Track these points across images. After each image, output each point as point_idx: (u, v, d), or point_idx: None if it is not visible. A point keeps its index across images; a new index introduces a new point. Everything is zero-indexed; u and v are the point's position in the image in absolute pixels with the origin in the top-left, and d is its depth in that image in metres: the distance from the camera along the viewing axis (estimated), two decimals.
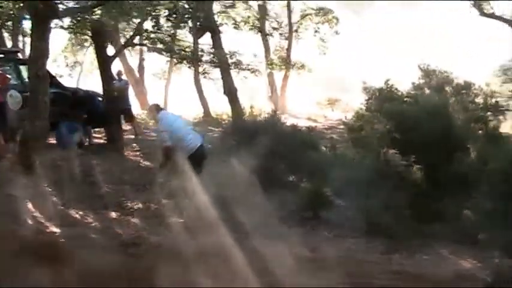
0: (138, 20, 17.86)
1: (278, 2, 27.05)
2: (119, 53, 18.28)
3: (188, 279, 7.06)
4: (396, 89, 11.83)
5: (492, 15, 18.54)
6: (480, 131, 11.38)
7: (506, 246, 8.92)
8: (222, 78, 18.75)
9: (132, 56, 28.59)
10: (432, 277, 7.93)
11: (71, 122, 14.34)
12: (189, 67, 21.89)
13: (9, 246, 7.55)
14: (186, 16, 19.46)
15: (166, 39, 19.82)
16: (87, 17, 14.73)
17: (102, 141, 15.90)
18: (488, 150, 10.45)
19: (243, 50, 21.00)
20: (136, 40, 19.23)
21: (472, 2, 18.62)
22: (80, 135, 14.63)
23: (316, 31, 27.60)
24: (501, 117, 12.63)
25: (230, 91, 18.30)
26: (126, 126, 17.02)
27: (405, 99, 11.60)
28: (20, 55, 17.07)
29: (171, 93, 27.93)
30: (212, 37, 19.22)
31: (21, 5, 15.80)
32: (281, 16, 27.74)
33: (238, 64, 20.20)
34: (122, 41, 22.57)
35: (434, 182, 9.82)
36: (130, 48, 23.75)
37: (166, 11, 18.41)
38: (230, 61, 19.56)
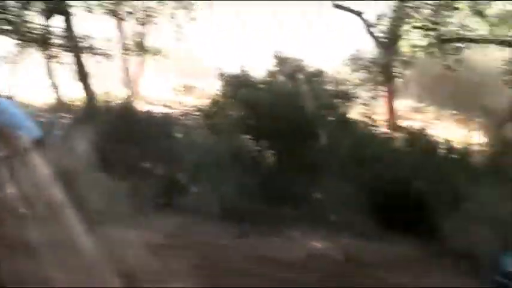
0: None
1: None
2: None
3: (34, 270, 6.66)
4: (251, 75, 11.94)
5: (343, 7, 19.23)
6: (330, 118, 11.77)
7: (356, 226, 9.34)
8: (74, 62, 17.97)
9: None
10: (285, 259, 8.09)
11: None
12: (38, 50, 20.76)
13: None
14: None
15: (13, 20, 18.65)
16: None
17: None
18: (338, 135, 10.86)
19: (97, 34, 20.27)
20: None
21: None
22: None
23: (172, 17, 27.22)
24: (350, 104, 13.17)
25: (82, 76, 17.60)
26: None
27: (259, 86, 11.73)
28: None
29: (21, 78, 26.37)
30: (64, 20, 18.36)
31: None
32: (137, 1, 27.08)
33: (90, 48, 19.46)
34: None
35: (287, 166, 10.03)
36: None
37: None
38: (82, 45, 18.79)
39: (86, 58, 18.65)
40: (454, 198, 10.87)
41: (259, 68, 13.08)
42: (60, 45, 19.60)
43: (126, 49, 24.99)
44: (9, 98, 10.07)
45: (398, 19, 15.78)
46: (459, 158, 13.33)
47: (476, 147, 14.61)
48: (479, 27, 16.06)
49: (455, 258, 9.64)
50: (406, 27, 15.87)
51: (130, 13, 26.45)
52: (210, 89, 16.21)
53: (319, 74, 13.30)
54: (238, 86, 11.42)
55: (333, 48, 16.64)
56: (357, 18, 16.87)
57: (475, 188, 11.62)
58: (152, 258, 7.30)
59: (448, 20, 15.85)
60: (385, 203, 9.73)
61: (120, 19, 25.61)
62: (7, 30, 18.94)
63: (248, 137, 10.32)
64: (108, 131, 10.58)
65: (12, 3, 17.79)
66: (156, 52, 26.06)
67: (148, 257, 7.29)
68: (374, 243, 9.20)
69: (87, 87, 17.55)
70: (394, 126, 14.95)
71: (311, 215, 9.38)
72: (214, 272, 7.18)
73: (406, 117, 16.94)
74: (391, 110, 16.39)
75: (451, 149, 13.74)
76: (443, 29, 15.68)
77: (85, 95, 17.66)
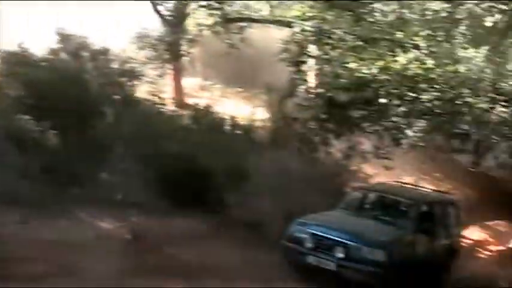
0: None
1: None
2: None
3: None
4: (31, 53, 11.32)
5: None
6: (116, 96, 11.60)
7: (144, 204, 9.38)
8: None
9: None
10: (71, 242, 7.90)
11: None
12: None
13: None
14: None
15: None
16: None
17: None
18: (124, 114, 10.77)
19: None
20: None
21: None
22: None
23: None
24: (136, 82, 13.07)
25: None
26: None
27: (40, 64, 11.18)
28: None
29: None
30: None
31: None
32: None
33: None
34: None
35: (71, 147, 9.73)
36: None
37: None
38: None
39: None
40: (239, 172, 11.38)
41: (40, 46, 12.45)
42: None
43: None
44: None
45: None
46: (244, 134, 13.95)
47: (259, 123, 15.37)
48: (262, 8, 16.80)
49: (243, 229, 10.12)
50: (192, 5, 16.03)
51: None
52: None
53: (104, 52, 12.98)
54: (16, 64, 10.77)
55: (118, 26, 16.27)
56: None
57: (259, 162, 12.29)
58: None
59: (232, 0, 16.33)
60: (173, 179, 9.89)
61: None
62: None
63: (28, 117, 9.79)
64: None
65: None
66: None
67: None
68: (163, 220, 9.31)
69: None
70: (181, 104, 15.13)
71: (99, 195, 9.23)
72: None
73: (192, 95, 17.17)
74: (178, 88, 16.54)
75: (236, 125, 14.32)
76: (228, 8, 16.12)
77: None
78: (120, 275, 7.15)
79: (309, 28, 10.45)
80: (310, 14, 12.32)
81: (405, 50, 9.56)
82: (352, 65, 10.25)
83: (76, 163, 9.43)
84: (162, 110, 12.91)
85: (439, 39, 9.36)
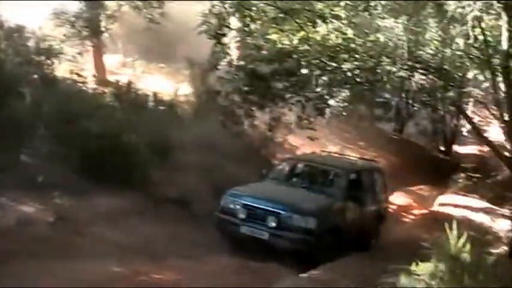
0: None
1: None
2: None
3: None
4: None
5: None
6: (34, 75, 11.22)
7: (67, 185, 9.12)
8: None
9: None
10: None
11: None
12: None
13: None
14: None
15: None
16: None
17: None
18: (43, 93, 10.42)
19: None
20: None
21: None
22: None
23: None
24: (55, 60, 12.68)
25: None
26: None
27: None
28: None
29: None
30: None
31: None
32: None
33: None
34: None
35: None
36: None
37: None
38: None
39: None
40: (164, 148, 11.28)
41: None
42: None
43: None
44: None
45: None
46: (167, 109, 13.81)
47: (183, 98, 15.25)
48: None
49: (170, 206, 10.04)
50: None
51: None
52: None
53: (19, 29, 12.52)
54: None
55: (34, 4, 15.63)
56: None
57: (183, 137, 12.21)
58: None
59: None
60: (97, 158, 9.68)
61: None
62: None
63: None
64: None
65: None
66: None
67: None
68: (88, 201, 9.10)
69: None
70: (102, 82, 14.79)
71: (20, 178, 8.87)
72: None
73: (114, 72, 16.84)
74: (99, 65, 16.19)
75: (159, 101, 14.16)
76: None
77: None
78: (48, 259, 6.96)
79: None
80: None
81: (325, 21, 9.63)
82: (273, 37, 10.24)
83: None
84: (83, 88, 12.60)
85: (359, 9, 9.46)
